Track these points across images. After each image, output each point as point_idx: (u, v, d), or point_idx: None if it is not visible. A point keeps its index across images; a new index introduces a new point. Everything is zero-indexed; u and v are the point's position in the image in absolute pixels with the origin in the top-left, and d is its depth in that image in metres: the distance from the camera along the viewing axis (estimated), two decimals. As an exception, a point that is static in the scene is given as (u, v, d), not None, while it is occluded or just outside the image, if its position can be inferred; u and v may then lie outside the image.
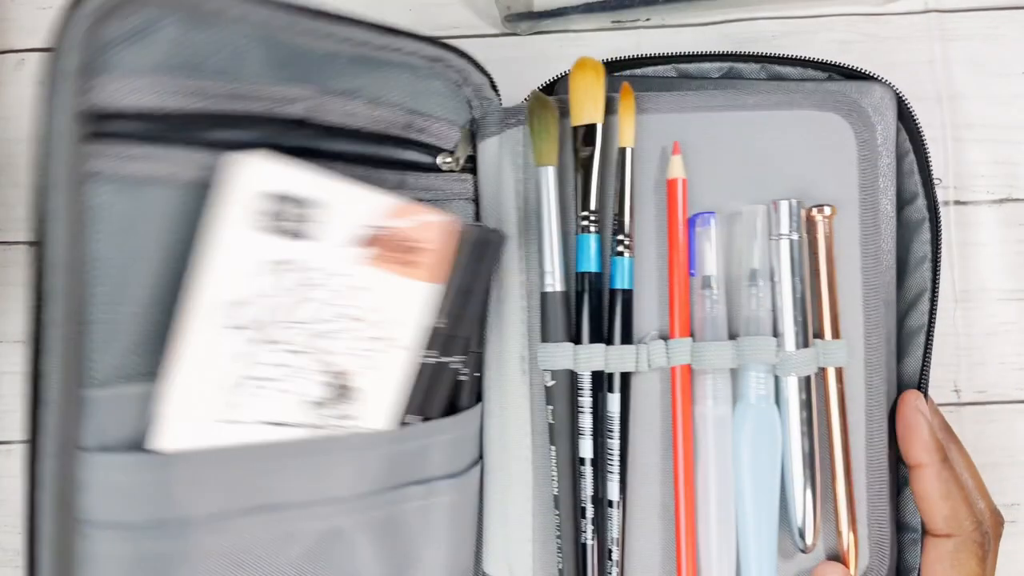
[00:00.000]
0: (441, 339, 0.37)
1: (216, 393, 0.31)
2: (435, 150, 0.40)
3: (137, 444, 0.31)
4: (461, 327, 0.37)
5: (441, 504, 0.38)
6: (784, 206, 0.37)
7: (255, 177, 0.30)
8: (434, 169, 0.41)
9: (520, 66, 0.48)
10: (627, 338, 0.38)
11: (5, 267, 0.50)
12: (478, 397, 0.40)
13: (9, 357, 0.50)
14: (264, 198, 0.31)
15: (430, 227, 0.34)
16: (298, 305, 0.32)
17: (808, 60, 0.41)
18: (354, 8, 0.49)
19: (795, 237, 0.37)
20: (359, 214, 0.32)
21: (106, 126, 0.30)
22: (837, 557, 0.38)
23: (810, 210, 0.38)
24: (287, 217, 0.31)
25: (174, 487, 0.31)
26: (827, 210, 0.37)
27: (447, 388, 0.38)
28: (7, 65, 0.51)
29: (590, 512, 0.38)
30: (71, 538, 0.30)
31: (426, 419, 0.37)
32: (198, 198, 0.31)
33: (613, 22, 0.50)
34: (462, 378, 0.39)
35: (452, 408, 0.39)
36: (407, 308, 0.34)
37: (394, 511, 0.36)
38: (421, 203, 0.34)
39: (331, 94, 0.36)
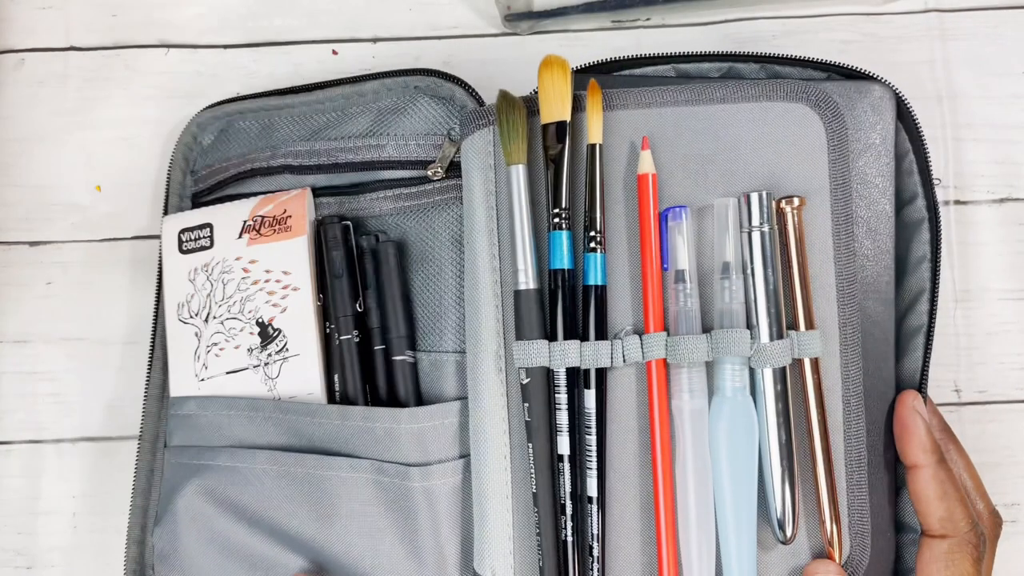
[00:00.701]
0: (352, 320, 0.44)
1: (192, 361, 0.46)
2: (422, 164, 0.43)
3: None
4: (340, 306, 0.44)
5: (400, 488, 0.40)
6: (755, 198, 0.37)
7: (171, 225, 0.47)
8: (426, 180, 0.43)
9: (520, 66, 0.48)
10: (601, 334, 0.38)
11: (5, 267, 0.50)
12: (417, 383, 0.43)
13: (9, 357, 0.50)
14: (179, 233, 0.46)
15: (288, 201, 0.45)
16: (222, 288, 0.45)
17: (808, 60, 0.41)
18: (354, 10, 0.49)
19: (766, 229, 0.37)
20: (236, 217, 0.46)
21: (201, 199, 0.49)
22: (818, 548, 0.38)
23: (779, 202, 0.38)
24: (195, 238, 0.46)
25: (200, 426, 0.45)
26: (795, 201, 0.37)
27: (358, 365, 0.44)
28: (7, 65, 0.51)
29: (569, 509, 0.38)
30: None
31: (368, 391, 0.44)
32: None
33: (613, 22, 0.50)
34: (397, 358, 0.43)
35: (392, 391, 0.43)
36: (291, 260, 0.44)
37: (360, 479, 0.41)
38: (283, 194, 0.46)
39: (333, 139, 0.45)
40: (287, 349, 0.44)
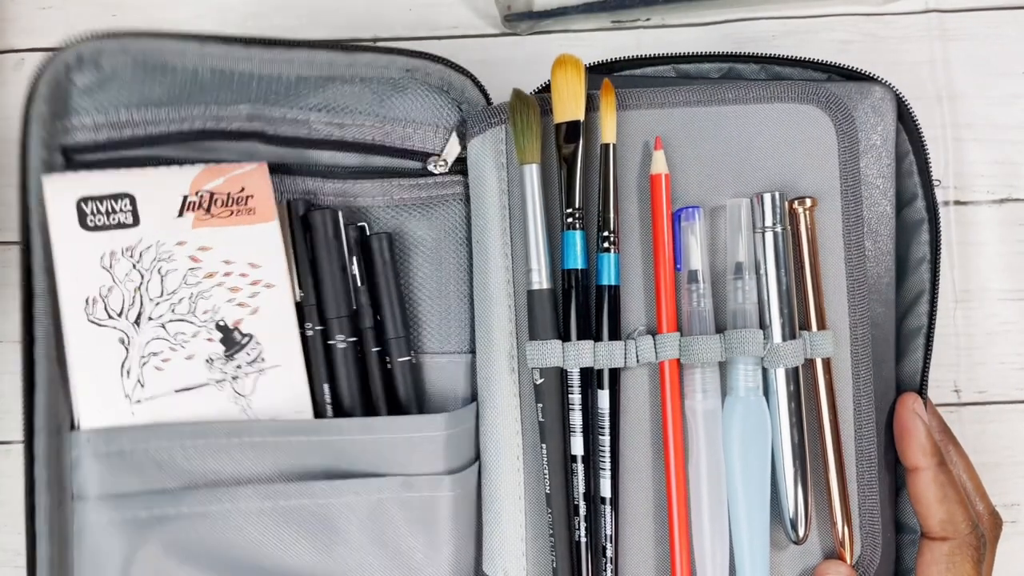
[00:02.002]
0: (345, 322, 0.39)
1: (117, 378, 0.36)
2: (423, 155, 0.41)
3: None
4: (329, 304, 0.39)
5: (428, 500, 0.38)
6: (767, 199, 0.37)
7: (66, 191, 0.36)
8: (425, 173, 0.41)
9: (520, 66, 0.48)
10: (615, 334, 0.38)
11: (5, 267, 0.50)
12: (418, 388, 0.41)
13: (9, 357, 0.50)
14: (81, 203, 0.36)
15: (244, 177, 0.38)
16: (159, 280, 0.36)
17: (808, 60, 0.41)
18: (354, 9, 0.49)
19: (779, 229, 0.37)
20: (171, 189, 0.37)
21: (77, 157, 0.37)
22: (830, 548, 0.38)
23: (792, 202, 0.38)
24: (109, 212, 0.36)
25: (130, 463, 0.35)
26: (808, 202, 0.37)
27: (356, 372, 0.39)
28: (7, 65, 0.51)
29: (583, 510, 0.38)
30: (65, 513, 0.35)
31: (368, 403, 0.40)
32: None
33: (613, 22, 0.50)
34: (400, 360, 0.40)
35: (395, 399, 0.40)
36: (260, 250, 0.38)
37: (372, 500, 0.37)
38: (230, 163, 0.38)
39: (311, 109, 0.39)
40: (262, 359, 0.37)
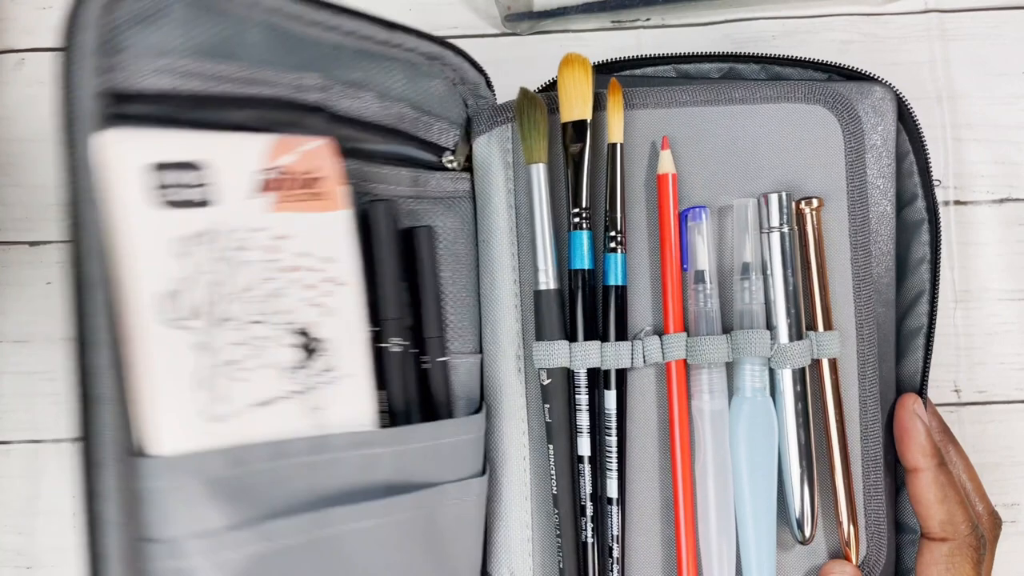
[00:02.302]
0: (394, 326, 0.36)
1: (191, 391, 0.28)
2: (439, 149, 0.40)
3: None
4: (388, 308, 0.36)
5: (469, 504, 0.38)
6: (774, 199, 0.37)
7: (133, 152, 0.28)
8: (440, 168, 0.41)
9: (520, 66, 0.48)
10: (622, 334, 0.38)
11: (5, 267, 0.50)
12: (445, 386, 0.39)
13: (9, 357, 0.50)
14: (151, 172, 0.28)
15: (314, 154, 0.32)
16: (236, 273, 0.30)
17: (808, 60, 0.41)
18: (352, 5, 0.49)
19: (786, 230, 0.37)
20: (246, 162, 0.31)
21: (124, 108, 0.28)
22: (836, 548, 0.38)
23: (799, 203, 0.38)
24: (182, 185, 0.29)
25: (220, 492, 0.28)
26: (814, 202, 0.38)
27: (413, 376, 0.37)
28: (7, 65, 0.51)
29: (589, 510, 0.38)
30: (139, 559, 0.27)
31: (406, 411, 0.37)
32: None
33: (613, 22, 0.50)
34: (425, 365, 0.38)
35: (428, 400, 0.38)
36: (332, 242, 0.33)
37: (414, 515, 0.35)
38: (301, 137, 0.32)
39: (341, 84, 0.35)
40: (332, 368, 0.32)
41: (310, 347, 0.32)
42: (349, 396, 0.33)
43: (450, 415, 0.39)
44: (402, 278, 0.37)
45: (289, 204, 0.31)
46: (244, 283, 0.30)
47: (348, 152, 0.36)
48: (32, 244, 0.50)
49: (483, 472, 0.39)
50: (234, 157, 0.30)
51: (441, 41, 0.38)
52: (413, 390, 0.37)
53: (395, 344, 0.36)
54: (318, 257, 0.32)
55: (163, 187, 0.28)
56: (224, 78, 0.31)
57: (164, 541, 0.27)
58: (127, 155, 0.28)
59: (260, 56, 0.32)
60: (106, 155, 0.27)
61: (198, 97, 0.31)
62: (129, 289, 0.28)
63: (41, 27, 0.51)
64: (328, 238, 0.33)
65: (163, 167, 0.28)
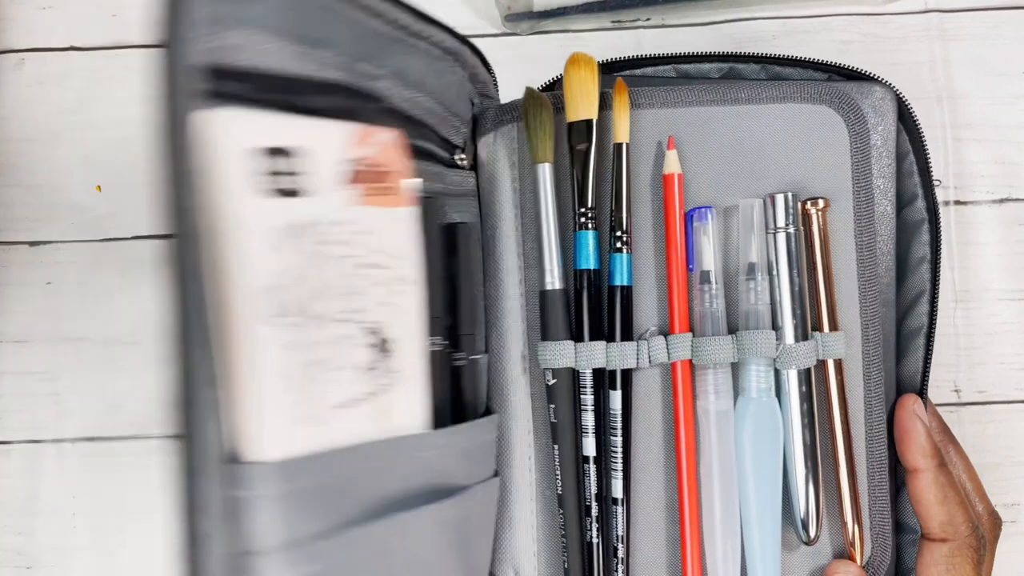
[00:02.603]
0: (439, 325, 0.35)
1: (281, 392, 0.27)
2: (452, 146, 0.40)
3: None
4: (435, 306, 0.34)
5: (479, 509, 0.37)
6: (780, 200, 0.37)
7: (241, 133, 0.26)
8: (453, 165, 0.40)
9: (520, 66, 0.48)
10: (627, 335, 0.38)
11: (5, 267, 0.50)
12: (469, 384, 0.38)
13: (9, 357, 0.50)
14: (255, 156, 0.26)
15: (390, 147, 0.31)
16: (322, 269, 0.28)
17: (808, 60, 0.41)
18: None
19: (791, 230, 0.37)
20: (334, 151, 0.29)
21: (221, 86, 0.26)
22: (840, 549, 0.38)
23: (804, 203, 0.38)
24: (280, 172, 0.27)
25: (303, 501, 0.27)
26: (820, 203, 0.37)
27: (448, 375, 0.36)
28: (7, 65, 0.51)
29: (595, 510, 0.38)
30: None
31: (442, 411, 0.35)
32: None
33: (613, 22, 0.50)
34: (458, 363, 0.37)
35: (459, 399, 0.37)
36: (401, 239, 0.32)
37: (453, 517, 0.34)
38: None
39: (391, 73, 0.34)
40: (398, 369, 0.31)
41: (383, 347, 0.30)
42: (411, 397, 0.32)
43: (475, 414, 0.39)
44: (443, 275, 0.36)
45: (369, 198, 0.30)
46: (328, 279, 0.28)
47: None
48: (32, 244, 0.50)
49: (496, 473, 0.39)
50: (324, 145, 0.28)
51: (463, 38, 0.37)
52: (448, 389, 0.36)
53: (436, 343, 0.35)
54: (389, 254, 0.31)
55: (265, 173, 0.26)
56: (317, 61, 0.29)
57: (261, 554, 0.26)
58: (235, 136, 0.26)
59: (345, 43, 0.31)
60: (212, 135, 0.25)
61: (290, 79, 0.28)
62: (230, 283, 0.25)
63: (41, 27, 0.51)
64: (398, 234, 0.32)
65: (265, 152, 0.26)
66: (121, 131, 0.51)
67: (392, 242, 0.31)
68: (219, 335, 0.25)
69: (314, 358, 0.28)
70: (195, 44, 0.24)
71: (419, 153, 0.37)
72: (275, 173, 0.27)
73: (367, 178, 0.30)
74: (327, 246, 0.28)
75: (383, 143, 0.31)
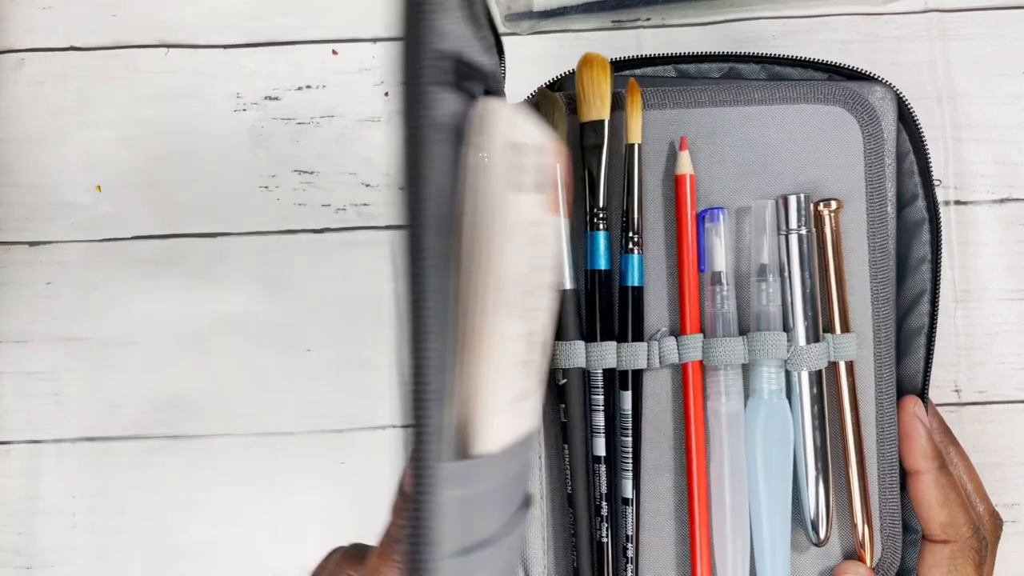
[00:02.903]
0: None
1: (507, 381, 0.26)
2: None
3: None
4: None
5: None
6: (792, 201, 0.37)
7: (507, 125, 0.25)
8: None
9: (520, 66, 0.48)
10: (638, 335, 0.38)
11: (5, 267, 0.50)
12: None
13: (9, 357, 0.50)
14: (513, 149, 0.26)
15: (560, 158, 0.33)
16: (532, 264, 0.28)
17: (808, 60, 0.41)
18: (355, 10, 0.49)
19: (804, 232, 0.37)
20: (544, 154, 0.28)
21: (457, 77, 0.24)
22: (850, 550, 0.38)
23: (817, 205, 0.38)
24: (528, 169, 0.26)
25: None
26: (833, 204, 0.37)
27: None
28: (7, 65, 0.51)
29: (605, 510, 0.38)
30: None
31: None
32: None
33: (613, 22, 0.50)
34: None
35: None
36: (559, 248, 0.34)
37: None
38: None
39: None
40: (538, 369, 0.32)
41: (542, 343, 0.30)
42: (540, 397, 0.31)
43: None
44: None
45: (550, 205, 0.30)
46: (536, 275, 0.28)
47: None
48: (32, 244, 0.50)
49: None
50: (540, 145, 0.28)
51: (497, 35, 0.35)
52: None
53: None
54: (553, 260, 0.31)
55: (517, 168, 0.26)
56: (483, 47, 0.28)
57: (470, 552, 0.24)
58: (505, 128, 0.25)
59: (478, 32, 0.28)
60: (488, 124, 0.25)
61: (476, 67, 0.27)
62: (490, 273, 0.25)
63: (41, 27, 0.51)
64: (558, 243, 0.34)
65: (519, 147, 0.26)
66: (121, 131, 0.51)
67: (554, 250, 0.32)
68: (465, 326, 0.25)
69: (528, 350, 0.28)
70: (447, 24, 0.22)
71: None
72: (522, 169, 0.26)
73: (549, 185, 0.29)
74: (531, 243, 0.28)
75: (559, 151, 0.31)
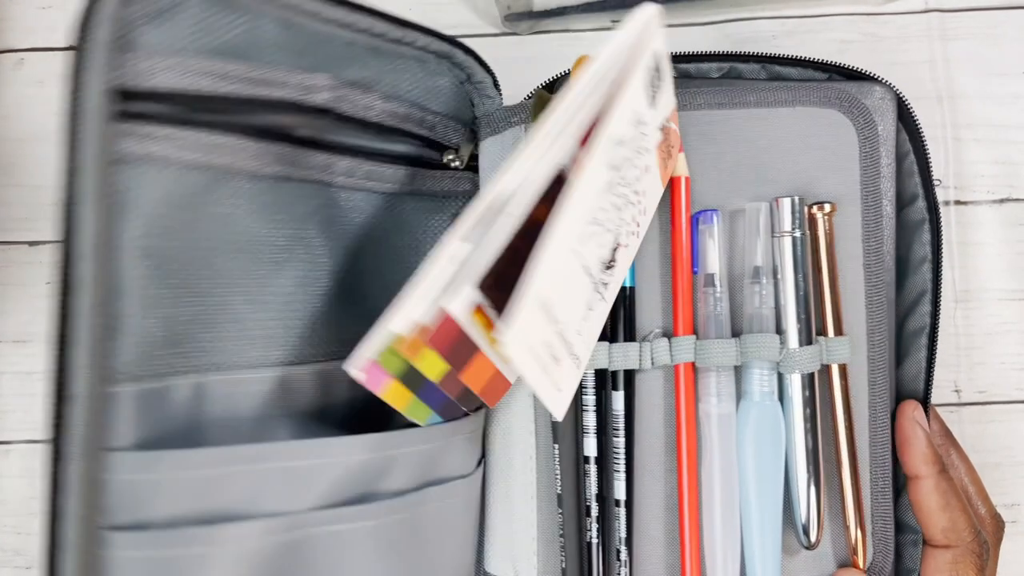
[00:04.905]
0: None
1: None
2: (441, 147, 0.40)
3: (164, 442, 0.30)
4: None
5: (454, 505, 0.38)
6: (786, 203, 0.37)
7: (656, 34, 0.31)
8: (441, 166, 0.40)
9: (520, 66, 0.48)
10: (630, 336, 0.38)
11: (5, 267, 0.50)
12: None
13: (9, 357, 0.50)
14: (652, 58, 0.31)
15: (677, 136, 0.36)
16: (629, 166, 0.32)
17: (808, 60, 0.41)
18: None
19: (798, 234, 0.37)
20: (667, 98, 0.34)
21: (134, 106, 0.28)
22: (841, 554, 0.38)
23: (811, 207, 0.38)
24: (654, 80, 0.32)
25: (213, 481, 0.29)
26: (827, 207, 0.37)
27: None
28: (7, 65, 0.51)
29: (595, 511, 0.38)
30: (95, 545, 0.27)
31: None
32: (220, 182, 0.31)
33: (613, 21, 0.50)
34: None
35: None
36: (653, 203, 0.36)
37: (415, 513, 0.35)
38: None
39: (349, 85, 0.35)
40: (603, 291, 0.36)
41: (612, 260, 0.34)
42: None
43: None
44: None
45: (660, 154, 0.34)
46: (627, 177, 0.32)
47: (345, 150, 0.36)
48: (32, 244, 0.50)
49: (475, 469, 0.39)
50: (669, 90, 0.34)
51: (451, 40, 0.38)
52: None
53: None
54: (647, 205, 0.35)
55: (651, 72, 0.32)
56: (234, 78, 0.31)
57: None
58: (654, 35, 0.31)
59: (271, 56, 0.32)
60: (645, 26, 0.30)
61: (205, 97, 0.30)
62: (607, 128, 0.30)
63: (41, 27, 0.51)
64: (654, 198, 0.36)
65: (656, 59, 0.32)
66: (121, 131, 0.51)
67: (650, 198, 0.35)
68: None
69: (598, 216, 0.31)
70: (99, 68, 0.26)
71: (387, 157, 0.38)
72: (654, 78, 0.32)
73: (665, 140, 0.35)
74: (639, 155, 0.33)
75: (677, 133, 0.36)
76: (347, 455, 0.32)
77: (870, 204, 0.38)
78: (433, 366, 0.31)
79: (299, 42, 0.33)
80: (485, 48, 0.43)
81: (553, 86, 0.42)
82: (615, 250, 0.33)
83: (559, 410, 0.31)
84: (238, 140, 0.31)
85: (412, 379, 0.32)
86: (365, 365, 0.31)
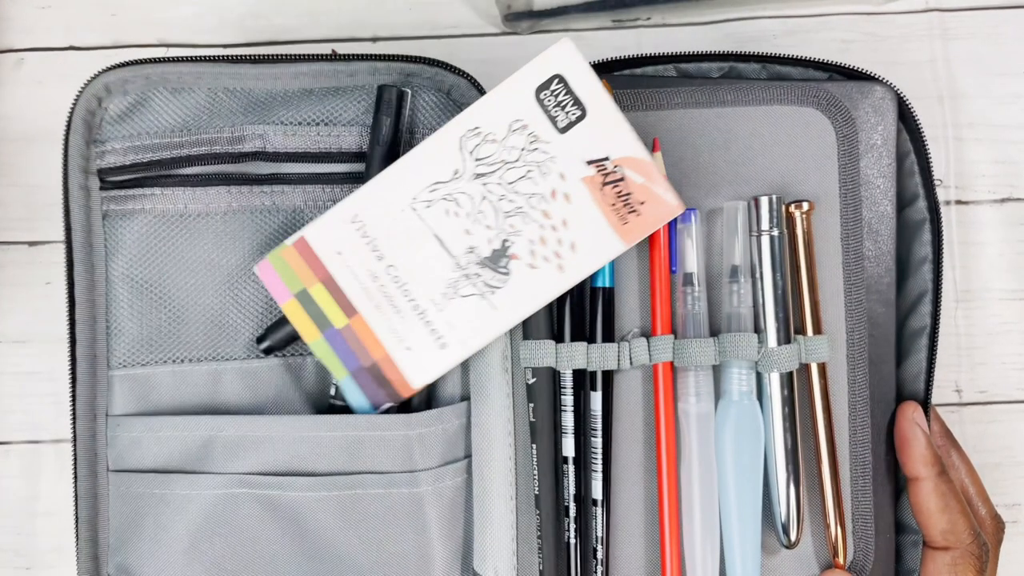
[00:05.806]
0: None
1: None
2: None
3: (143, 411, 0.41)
4: None
5: (429, 494, 0.38)
6: (764, 202, 0.37)
7: (558, 58, 0.36)
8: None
9: (520, 66, 0.48)
10: (609, 336, 0.38)
11: (5, 267, 0.50)
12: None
13: (9, 357, 0.50)
14: (553, 80, 0.36)
15: (654, 199, 0.35)
16: (513, 167, 0.36)
17: (809, 60, 0.41)
18: (354, 8, 0.49)
19: (776, 233, 0.37)
20: (605, 138, 0.35)
21: (109, 177, 0.41)
22: (821, 552, 0.38)
23: (789, 206, 0.38)
24: (555, 100, 0.36)
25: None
26: (805, 205, 0.37)
27: None
28: (7, 65, 0.51)
29: (573, 511, 0.38)
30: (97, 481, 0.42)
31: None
32: (185, 223, 0.41)
33: (613, 21, 0.50)
34: None
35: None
36: (591, 250, 0.36)
37: (343, 497, 0.38)
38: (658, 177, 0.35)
39: (287, 124, 0.40)
40: (495, 288, 0.39)
41: (498, 260, 0.37)
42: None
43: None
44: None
45: (599, 197, 0.36)
46: (511, 178, 0.36)
47: (292, 179, 0.41)
48: (32, 244, 0.50)
49: (446, 464, 0.39)
50: (603, 127, 0.36)
51: (411, 58, 0.40)
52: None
53: None
54: (572, 240, 0.36)
55: (547, 91, 0.36)
56: (178, 144, 0.40)
57: None
58: (557, 59, 0.36)
59: (201, 120, 0.41)
60: (555, 52, 0.36)
61: (160, 162, 0.40)
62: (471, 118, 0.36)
63: (41, 27, 0.51)
64: (594, 245, 0.36)
65: (560, 80, 0.36)
66: (121, 131, 0.51)
67: (582, 239, 0.36)
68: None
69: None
70: (77, 163, 0.40)
71: (341, 179, 0.41)
72: (553, 96, 0.36)
73: (610, 185, 0.36)
74: (534, 166, 0.36)
75: (652, 191, 0.35)
76: (272, 430, 0.39)
77: (849, 202, 0.38)
78: (326, 301, 0.37)
79: (228, 102, 0.41)
80: (485, 48, 0.43)
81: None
82: (501, 252, 0.36)
83: (413, 373, 0.36)
84: (193, 190, 0.41)
85: (307, 303, 0.37)
86: (262, 263, 0.38)
